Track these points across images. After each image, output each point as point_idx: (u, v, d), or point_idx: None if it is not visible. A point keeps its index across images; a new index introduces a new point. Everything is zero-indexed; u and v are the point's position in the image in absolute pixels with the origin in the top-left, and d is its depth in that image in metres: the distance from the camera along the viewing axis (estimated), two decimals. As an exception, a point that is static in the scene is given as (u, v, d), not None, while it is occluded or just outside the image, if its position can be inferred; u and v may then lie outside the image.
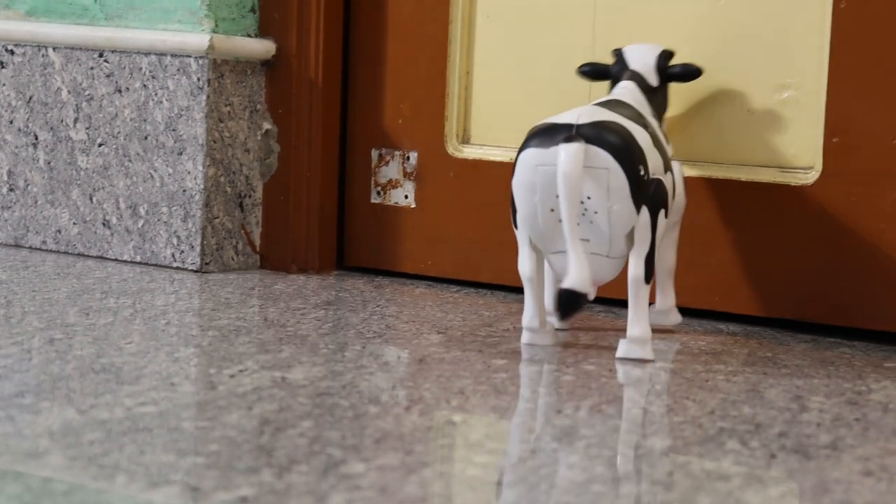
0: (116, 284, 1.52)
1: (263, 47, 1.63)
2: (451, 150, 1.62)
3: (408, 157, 1.64)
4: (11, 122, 1.71)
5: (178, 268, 1.62)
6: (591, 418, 1.07)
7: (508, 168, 1.53)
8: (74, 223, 1.68)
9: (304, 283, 1.59)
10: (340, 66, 1.66)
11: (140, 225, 1.64)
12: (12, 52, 1.70)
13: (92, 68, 1.65)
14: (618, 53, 1.41)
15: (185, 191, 1.61)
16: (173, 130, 1.61)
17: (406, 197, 1.64)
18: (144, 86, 1.62)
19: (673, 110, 1.49)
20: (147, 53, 1.62)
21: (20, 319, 1.32)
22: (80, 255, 1.68)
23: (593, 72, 1.42)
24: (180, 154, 1.61)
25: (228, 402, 1.06)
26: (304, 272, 1.65)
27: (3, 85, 1.71)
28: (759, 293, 1.45)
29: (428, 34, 1.61)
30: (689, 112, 1.49)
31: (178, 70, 1.60)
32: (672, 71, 1.39)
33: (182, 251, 1.62)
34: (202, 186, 1.60)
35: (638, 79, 1.38)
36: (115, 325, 1.32)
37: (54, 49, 1.67)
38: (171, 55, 1.60)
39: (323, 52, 1.64)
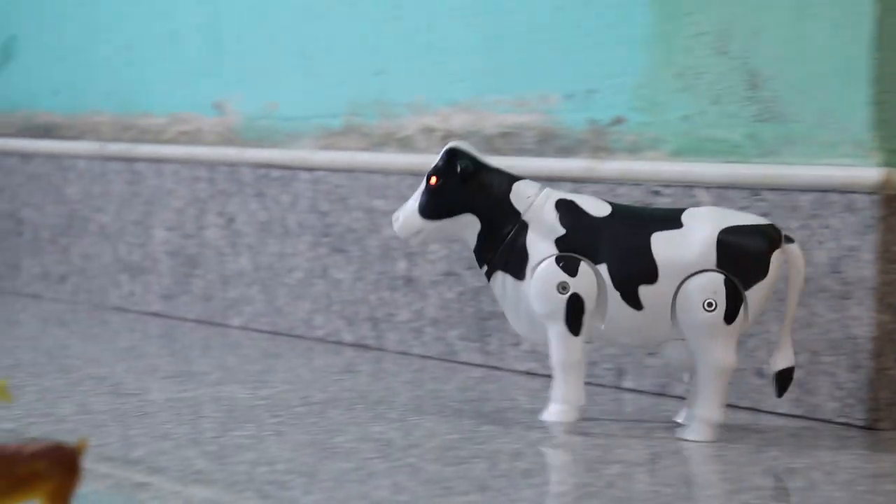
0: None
1: (937, 180, 1.48)
2: None
3: None
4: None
5: (842, 423, 1.47)
6: None
7: None
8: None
9: None
10: None
11: (800, 374, 1.51)
12: (658, 193, 1.64)
13: (746, 207, 1.56)
14: (465, 154, 1.41)
15: (851, 338, 1.47)
16: (837, 272, 1.48)
17: None
18: (804, 225, 1.51)
19: None
20: (806, 190, 1.51)
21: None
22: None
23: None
24: (846, 298, 1.47)
25: None
26: None
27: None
28: None
29: None
30: None
31: (844, 207, 1.48)
32: None
33: (849, 405, 1.47)
34: (872, 334, 1.45)
35: None
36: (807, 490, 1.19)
37: (706, 188, 1.59)
38: (836, 191, 1.48)
39: None
